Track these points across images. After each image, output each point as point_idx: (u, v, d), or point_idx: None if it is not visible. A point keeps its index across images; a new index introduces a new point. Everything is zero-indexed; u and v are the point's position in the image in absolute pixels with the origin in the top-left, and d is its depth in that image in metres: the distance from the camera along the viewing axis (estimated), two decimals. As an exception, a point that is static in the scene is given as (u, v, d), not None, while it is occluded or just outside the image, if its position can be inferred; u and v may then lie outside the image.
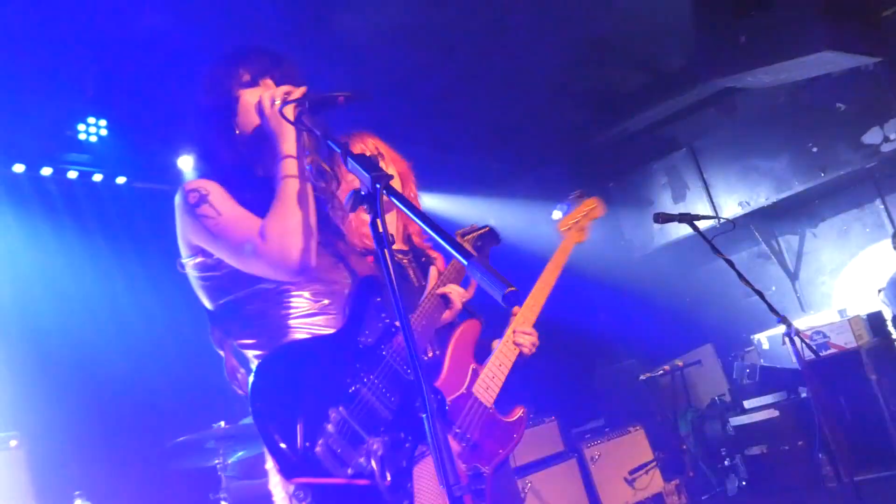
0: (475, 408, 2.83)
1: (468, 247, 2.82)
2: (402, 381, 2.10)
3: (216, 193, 2.11)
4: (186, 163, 5.56)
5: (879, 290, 6.66)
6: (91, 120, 5.33)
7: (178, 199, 2.14)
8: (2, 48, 4.60)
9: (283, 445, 1.88)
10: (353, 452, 1.93)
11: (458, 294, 2.53)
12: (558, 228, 3.23)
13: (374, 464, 1.93)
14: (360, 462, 1.93)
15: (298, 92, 2.05)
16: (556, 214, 3.25)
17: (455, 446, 2.62)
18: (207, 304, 2.19)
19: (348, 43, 5.52)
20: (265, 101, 2.08)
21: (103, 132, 5.37)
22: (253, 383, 1.95)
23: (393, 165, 2.91)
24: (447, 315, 2.56)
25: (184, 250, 2.18)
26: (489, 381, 2.89)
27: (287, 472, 1.87)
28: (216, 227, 2.06)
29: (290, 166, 2.07)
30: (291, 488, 1.88)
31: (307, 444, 1.90)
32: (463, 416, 2.79)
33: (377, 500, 1.90)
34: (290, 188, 2.05)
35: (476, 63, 6.08)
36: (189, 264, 2.17)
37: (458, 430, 2.76)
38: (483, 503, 2.77)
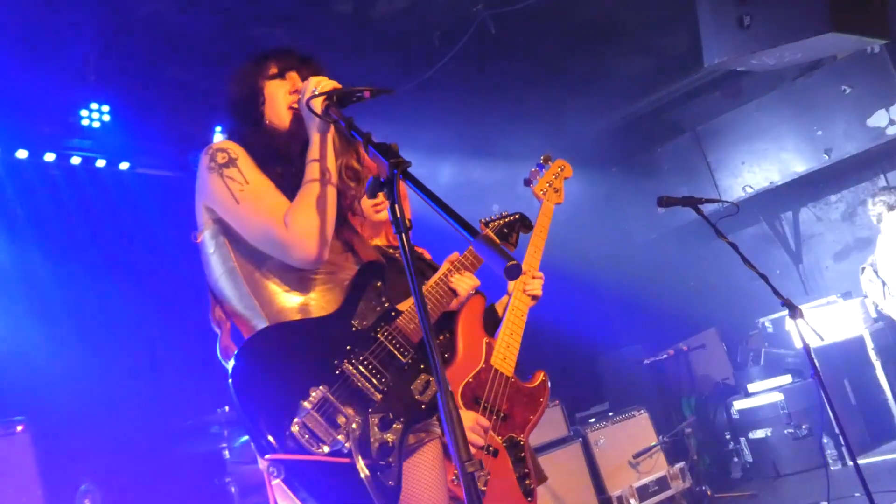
0: (497, 380, 2.89)
1: (491, 234, 2.88)
2: (395, 363, 2.12)
3: (244, 159, 2.17)
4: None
5: (863, 269, 6.61)
6: (94, 106, 5.32)
7: (204, 157, 2.18)
8: (4, 34, 4.59)
9: (258, 422, 1.92)
10: (331, 431, 1.96)
11: (466, 285, 2.54)
12: (535, 193, 3.24)
13: (352, 443, 1.95)
14: (338, 440, 1.95)
15: (328, 86, 2.10)
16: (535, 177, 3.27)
17: (484, 421, 2.66)
18: (211, 277, 2.22)
19: (343, 29, 5.51)
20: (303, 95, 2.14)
21: (106, 118, 5.37)
22: (234, 361, 1.99)
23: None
24: (454, 303, 2.60)
25: (199, 216, 2.22)
26: (505, 351, 2.96)
27: (261, 448, 1.91)
28: (241, 194, 2.11)
29: (322, 162, 2.14)
30: (266, 464, 1.91)
31: (283, 421, 1.93)
32: (487, 391, 2.84)
33: (355, 478, 1.91)
34: (319, 183, 2.11)
35: (477, 48, 6.05)
36: (202, 233, 2.21)
37: (485, 405, 2.81)
38: (524, 467, 2.83)
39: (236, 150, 2.18)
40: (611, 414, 6.68)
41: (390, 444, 2.00)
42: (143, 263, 5.59)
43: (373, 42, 5.72)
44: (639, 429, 6.52)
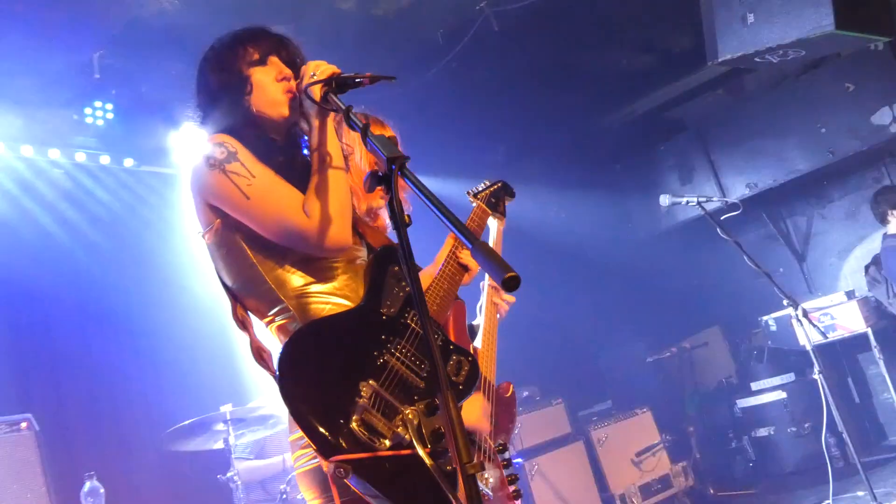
0: (488, 387, 2.88)
1: (482, 205, 2.83)
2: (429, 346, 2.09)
3: (243, 152, 2.08)
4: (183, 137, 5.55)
5: (867, 267, 6.61)
6: (98, 104, 5.34)
7: (200, 154, 2.09)
8: (9, 33, 4.60)
9: (317, 425, 1.86)
10: (388, 424, 1.93)
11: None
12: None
13: (412, 433, 1.92)
14: (398, 433, 1.93)
15: (327, 71, 2.05)
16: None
17: (489, 407, 2.65)
18: (228, 277, 2.15)
19: (347, 26, 5.51)
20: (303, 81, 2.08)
21: (110, 116, 5.38)
22: (279, 366, 1.94)
23: None
24: (466, 278, 2.57)
25: (203, 216, 2.13)
26: (488, 361, 2.94)
27: (325, 451, 1.85)
28: (249, 189, 2.03)
29: (323, 148, 2.09)
30: (331, 466, 1.84)
31: (341, 420, 1.89)
32: (482, 395, 2.82)
33: (420, 469, 1.87)
34: (329, 169, 2.07)
35: (481, 45, 6.05)
36: (211, 232, 2.12)
37: None
38: (511, 473, 2.84)
39: (233, 143, 2.08)
40: (614, 412, 6.69)
41: (441, 430, 1.92)
42: (148, 260, 5.60)
43: (376, 39, 5.72)
44: (642, 427, 6.53)
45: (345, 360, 1.99)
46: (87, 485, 4.10)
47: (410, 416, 1.96)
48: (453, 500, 1.88)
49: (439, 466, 1.89)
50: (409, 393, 2.01)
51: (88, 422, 5.10)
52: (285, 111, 2.16)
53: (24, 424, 4.06)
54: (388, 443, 1.91)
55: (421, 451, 1.88)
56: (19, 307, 5.08)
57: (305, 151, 2.25)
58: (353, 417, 1.90)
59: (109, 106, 5.37)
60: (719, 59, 5.58)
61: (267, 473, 4.91)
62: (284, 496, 4.39)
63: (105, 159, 5.60)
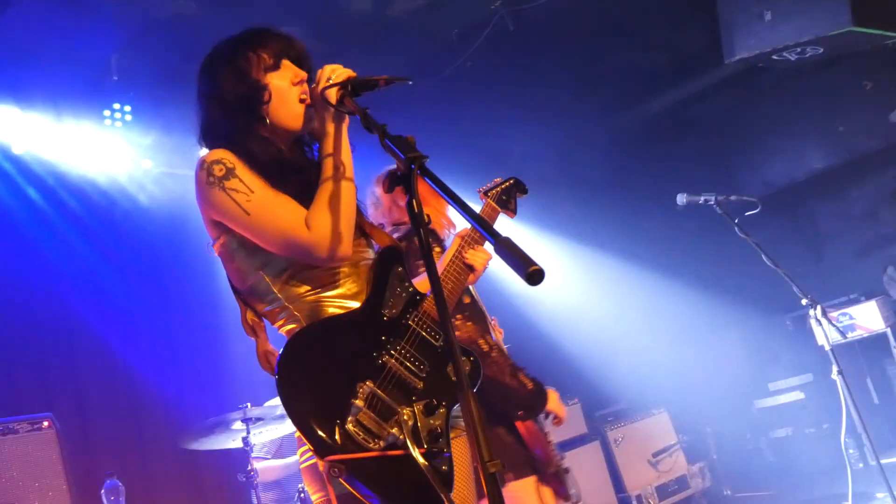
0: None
1: (492, 203, 2.84)
2: (431, 347, 2.11)
3: (242, 167, 2.08)
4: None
5: (886, 266, 6.56)
6: (116, 106, 5.38)
7: (199, 172, 2.09)
8: (26, 34, 4.65)
9: (313, 425, 1.90)
10: (384, 425, 1.96)
11: (482, 258, 2.54)
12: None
13: (406, 434, 1.95)
14: (392, 433, 1.96)
15: (343, 74, 2.05)
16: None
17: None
18: (238, 285, 2.18)
19: (361, 27, 5.53)
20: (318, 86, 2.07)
21: (128, 118, 5.42)
22: (278, 367, 1.97)
23: None
24: (471, 278, 2.57)
25: (210, 229, 2.16)
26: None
27: (320, 450, 1.89)
28: (248, 205, 2.04)
29: (337, 156, 2.09)
30: (326, 465, 1.88)
31: (337, 421, 1.92)
32: None
33: (413, 469, 1.91)
34: (338, 179, 2.07)
35: (496, 45, 6.05)
36: (218, 245, 2.15)
37: None
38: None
39: (231, 158, 2.08)
40: (630, 412, 6.66)
41: (438, 430, 2.00)
42: (166, 262, 5.64)
43: (391, 40, 5.74)
44: (658, 428, 6.51)
45: (343, 361, 2.02)
46: (108, 483, 4.13)
47: (406, 417, 1.98)
48: (445, 501, 1.90)
49: (433, 466, 1.93)
50: (407, 394, 2.03)
51: (109, 421, 5.14)
52: (300, 123, 2.16)
53: (45, 423, 4.10)
54: (382, 443, 1.94)
55: (414, 452, 1.92)
56: (40, 307, 5.12)
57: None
58: (349, 418, 1.93)
59: (128, 108, 5.41)
60: (736, 57, 5.56)
61: (284, 472, 4.93)
62: (302, 495, 4.41)
63: (123, 161, 5.64)
